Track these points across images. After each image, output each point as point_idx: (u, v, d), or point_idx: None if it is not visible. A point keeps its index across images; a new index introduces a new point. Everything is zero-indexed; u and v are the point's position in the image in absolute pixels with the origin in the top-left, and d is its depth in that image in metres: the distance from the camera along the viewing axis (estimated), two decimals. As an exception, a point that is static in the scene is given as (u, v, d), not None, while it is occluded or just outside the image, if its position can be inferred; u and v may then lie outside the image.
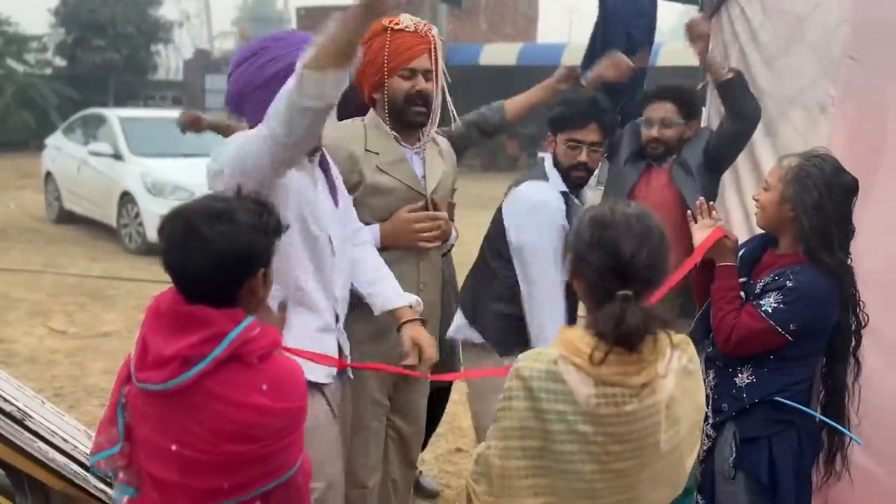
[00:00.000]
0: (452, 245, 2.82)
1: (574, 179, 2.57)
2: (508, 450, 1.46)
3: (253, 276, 1.51)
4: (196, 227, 1.45)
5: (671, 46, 13.83)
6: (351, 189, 2.30)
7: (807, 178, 2.17)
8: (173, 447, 1.47)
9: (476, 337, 2.61)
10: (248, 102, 1.98)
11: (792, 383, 2.20)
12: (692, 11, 3.82)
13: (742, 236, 2.61)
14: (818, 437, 2.30)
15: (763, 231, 2.38)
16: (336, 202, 2.10)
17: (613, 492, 1.49)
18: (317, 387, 2.00)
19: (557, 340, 1.50)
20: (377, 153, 2.35)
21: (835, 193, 2.16)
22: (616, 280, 1.46)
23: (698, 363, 1.59)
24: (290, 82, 1.68)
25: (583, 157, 2.54)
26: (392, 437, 2.55)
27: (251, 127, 1.89)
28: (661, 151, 2.84)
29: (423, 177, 2.43)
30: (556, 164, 2.58)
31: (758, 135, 3.10)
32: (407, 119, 2.39)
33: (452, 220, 2.65)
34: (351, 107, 2.41)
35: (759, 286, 2.25)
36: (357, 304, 2.26)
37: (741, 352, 2.22)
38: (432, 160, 2.47)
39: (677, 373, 1.52)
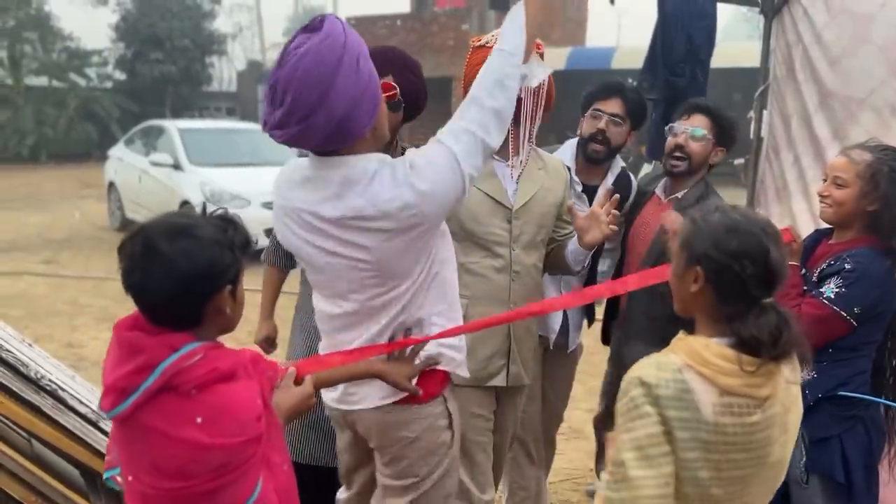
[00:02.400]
0: None
1: (591, 153, 2.71)
2: (649, 458, 1.42)
3: (218, 293, 1.42)
4: (155, 244, 1.37)
5: (725, 47, 13.59)
6: None
7: (885, 171, 2.16)
8: (129, 478, 1.42)
9: None
10: (355, 116, 1.71)
11: (853, 375, 2.19)
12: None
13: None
14: (885, 429, 2.27)
15: (827, 226, 2.36)
16: None
17: (729, 497, 1.48)
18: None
19: (678, 349, 1.47)
20: None
21: None
22: (763, 288, 1.44)
23: (799, 371, 1.57)
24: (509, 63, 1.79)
25: (602, 124, 2.69)
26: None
27: (355, 143, 1.75)
28: (684, 169, 2.66)
29: (516, 192, 2.39)
30: (579, 140, 2.75)
31: (826, 138, 3.03)
32: None
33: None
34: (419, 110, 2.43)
35: (815, 274, 2.24)
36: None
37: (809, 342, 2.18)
38: (528, 176, 2.41)
39: (787, 381, 1.51)
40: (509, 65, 1.80)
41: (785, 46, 3.33)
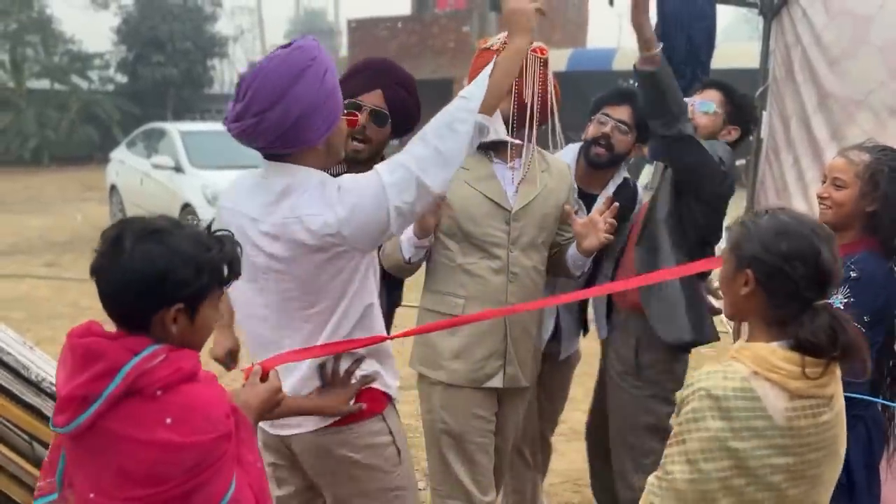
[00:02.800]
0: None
1: (593, 156, 2.68)
2: (700, 472, 1.43)
3: (166, 306, 1.37)
4: (122, 238, 1.37)
5: (726, 48, 13.58)
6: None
7: (886, 172, 2.16)
8: (91, 495, 1.36)
9: None
10: (309, 122, 1.74)
11: (854, 375, 2.18)
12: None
13: None
14: (886, 428, 2.28)
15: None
16: None
17: (804, 495, 1.49)
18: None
19: (743, 356, 1.47)
20: (467, 169, 2.33)
21: None
22: (816, 289, 1.44)
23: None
24: (462, 115, 1.79)
25: (607, 129, 2.66)
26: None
27: (297, 153, 1.78)
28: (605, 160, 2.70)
29: (516, 193, 2.38)
30: (583, 143, 2.73)
31: (824, 139, 3.04)
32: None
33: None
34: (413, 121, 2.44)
35: None
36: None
37: None
38: (530, 178, 2.39)
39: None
40: (464, 110, 1.79)
41: (784, 48, 3.34)
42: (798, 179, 3.17)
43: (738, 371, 1.45)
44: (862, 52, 2.95)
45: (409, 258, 2.34)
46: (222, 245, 1.45)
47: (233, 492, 1.41)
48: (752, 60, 3.72)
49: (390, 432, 1.95)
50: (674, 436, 1.49)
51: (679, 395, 1.50)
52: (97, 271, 1.39)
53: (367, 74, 2.39)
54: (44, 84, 21.43)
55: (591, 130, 2.71)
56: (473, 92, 1.82)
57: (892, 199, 2.16)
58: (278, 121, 1.70)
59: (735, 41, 22.25)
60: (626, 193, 2.76)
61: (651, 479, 1.51)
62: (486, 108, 1.81)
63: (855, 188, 2.19)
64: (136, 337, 1.37)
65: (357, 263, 1.80)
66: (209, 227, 1.50)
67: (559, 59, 18.96)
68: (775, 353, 1.45)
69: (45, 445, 2.27)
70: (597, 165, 2.71)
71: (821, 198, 2.28)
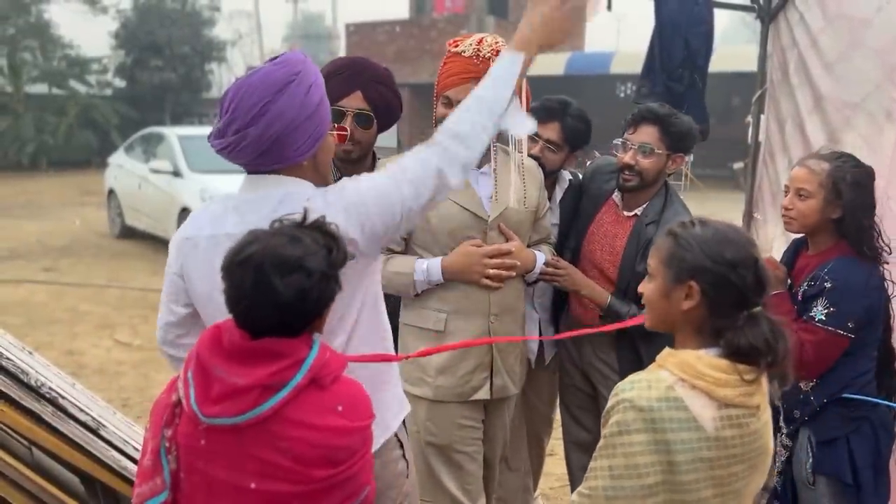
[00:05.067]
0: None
1: None
2: (625, 489, 1.38)
3: (319, 318, 1.49)
4: (268, 278, 1.40)
5: (724, 51, 13.62)
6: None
7: (848, 180, 2.18)
8: (253, 485, 1.41)
9: None
10: (292, 139, 1.67)
11: (856, 376, 2.20)
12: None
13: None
14: (894, 428, 2.28)
15: (795, 238, 2.38)
16: None
17: None
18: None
19: (668, 363, 1.44)
20: None
21: (869, 188, 2.20)
22: (757, 296, 1.43)
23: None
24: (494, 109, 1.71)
25: (536, 149, 2.63)
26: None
27: (281, 170, 1.70)
28: (635, 184, 2.52)
29: (491, 198, 2.33)
30: None
31: (819, 142, 3.04)
32: None
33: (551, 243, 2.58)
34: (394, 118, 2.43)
35: (800, 293, 2.26)
36: (420, 338, 2.33)
37: (820, 368, 2.20)
38: (504, 180, 2.32)
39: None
40: (495, 115, 1.73)
41: (780, 51, 3.34)
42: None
43: (662, 379, 1.41)
44: (858, 55, 2.95)
45: (420, 292, 2.33)
46: (336, 239, 1.49)
47: (372, 482, 1.53)
48: (750, 63, 3.73)
49: (400, 445, 1.89)
50: (599, 449, 1.43)
51: (609, 404, 1.44)
52: (245, 310, 1.42)
53: (344, 77, 2.34)
54: (42, 89, 21.42)
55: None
56: (500, 97, 1.74)
57: (854, 205, 2.17)
58: (259, 137, 1.64)
59: (734, 44, 22.31)
60: (573, 194, 2.76)
61: (574, 495, 1.46)
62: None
63: (819, 197, 2.21)
64: (303, 335, 1.47)
65: (364, 268, 1.73)
66: (303, 220, 1.49)
67: (557, 63, 18.99)
68: (702, 359, 1.41)
69: (44, 451, 2.26)
70: None
71: (785, 209, 2.28)
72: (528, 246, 2.48)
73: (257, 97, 1.64)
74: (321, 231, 1.48)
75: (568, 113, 2.67)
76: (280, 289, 1.39)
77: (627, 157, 2.51)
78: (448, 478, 2.39)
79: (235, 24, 32.80)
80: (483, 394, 2.38)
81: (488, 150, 2.28)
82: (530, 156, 2.57)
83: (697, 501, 1.41)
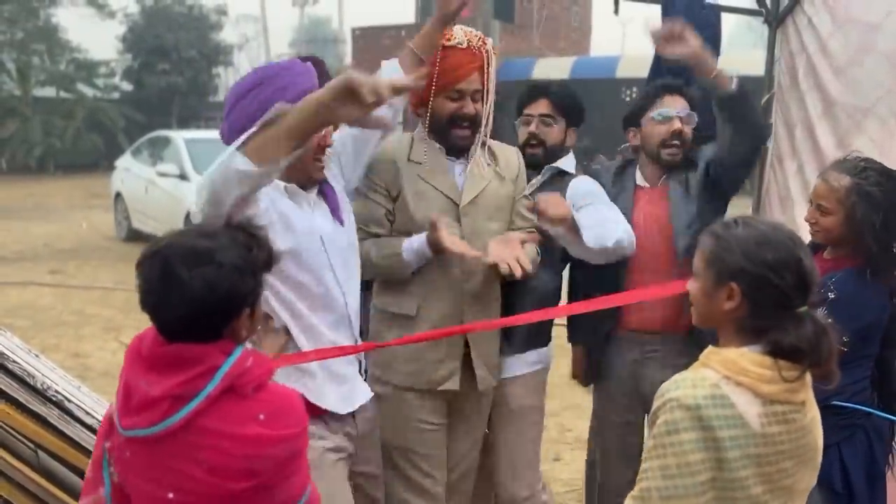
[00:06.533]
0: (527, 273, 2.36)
1: (529, 158, 2.59)
2: (678, 487, 1.38)
3: (236, 318, 1.42)
4: (174, 269, 1.35)
5: (731, 55, 13.58)
6: (394, 199, 2.32)
7: (870, 199, 2.14)
8: (170, 495, 1.38)
9: None
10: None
11: (848, 384, 2.17)
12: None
13: None
14: (890, 437, 2.26)
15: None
16: (341, 221, 2.09)
17: None
18: (322, 418, 1.96)
19: (711, 361, 1.44)
20: (420, 163, 2.33)
21: (887, 204, 2.14)
22: (801, 297, 1.43)
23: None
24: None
25: (532, 127, 2.62)
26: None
27: None
28: (681, 154, 2.55)
29: (462, 188, 2.34)
30: (518, 149, 2.59)
31: (829, 147, 3.03)
32: (449, 141, 2.35)
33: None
34: None
35: None
36: (392, 323, 2.31)
37: None
38: (477, 174, 2.36)
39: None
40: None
41: (789, 55, 3.33)
42: (802, 188, 3.15)
43: (706, 377, 1.41)
44: (868, 59, 2.94)
45: (416, 268, 2.30)
46: (257, 238, 1.46)
47: (311, 489, 1.49)
48: (757, 68, 3.72)
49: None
50: (649, 450, 1.43)
51: (654, 406, 1.45)
52: (154, 306, 1.38)
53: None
54: (49, 92, 21.52)
55: (520, 135, 2.67)
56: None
57: (875, 225, 2.13)
58: (227, 133, 1.85)
59: (740, 48, 22.27)
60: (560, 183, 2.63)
61: (627, 500, 1.45)
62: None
63: (839, 214, 2.18)
64: (221, 341, 1.41)
65: None
66: (229, 220, 1.51)
67: (563, 67, 19.00)
68: (744, 356, 1.42)
69: (50, 454, 2.26)
70: (536, 166, 2.63)
71: (809, 222, 2.27)
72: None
73: (229, 96, 1.97)
74: (244, 230, 1.46)
75: (551, 89, 2.69)
76: (186, 279, 1.34)
77: (677, 125, 2.53)
78: (401, 484, 2.32)
79: (242, 28, 32.94)
80: (451, 384, 2.32)
81: (468, 144, 2.35)
82: (528, 137, 2.62)
83: (747, 498, 1.41)
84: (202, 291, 1.35)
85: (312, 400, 1.92)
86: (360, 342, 2.13)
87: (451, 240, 2.21)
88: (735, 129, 2.38)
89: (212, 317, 1.39)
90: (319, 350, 1.97)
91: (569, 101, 2.69)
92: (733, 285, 1.44)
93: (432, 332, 2.25)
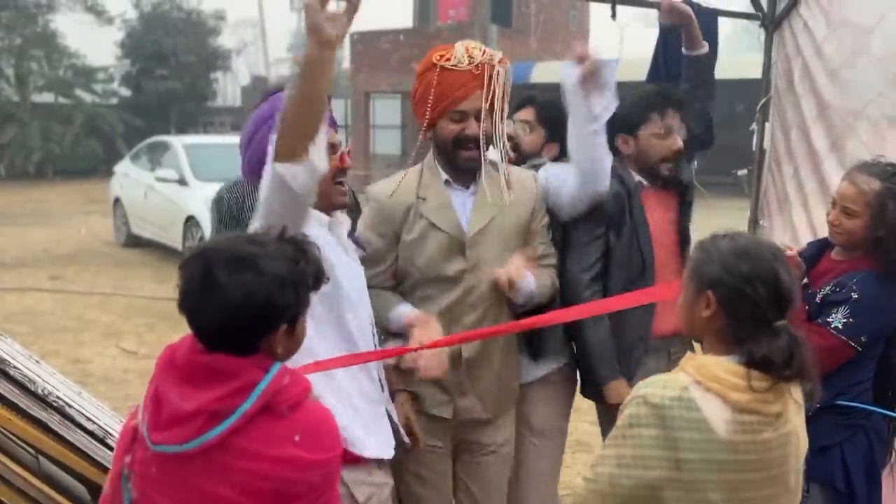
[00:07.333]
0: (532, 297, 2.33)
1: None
2: (629, 478, 1.43)
3: (272, 331, 1.35)
4: (213, 272, 1.30)
5: (728, 59, 13.61)
6: (398, 241, 2.28)
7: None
8: None
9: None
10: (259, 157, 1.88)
11: (851, 384, 2.20)
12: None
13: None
14: (889, 437, 2.28)
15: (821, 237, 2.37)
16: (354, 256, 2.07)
17: None
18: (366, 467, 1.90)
19: (687, 366, 1.48)
20: (425, 199, 2.27)
21: None
22: (775, 310, 1.45)
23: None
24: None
25: (510, 129, 2.56)
26: None
27: None
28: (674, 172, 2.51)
29: (467, 218, 2.26)
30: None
31: (823, 150, 3.04)
32: (456, 164, 2.27)
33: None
34: None
35: (819, 295, 2.24)
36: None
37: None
38: (485, 203, 2.25)
39: (796, 404, 1.52)
40: None
41: (785, 59, 3.35)
42: (798, 190, 3.17)
43: (678, 380, 1.45)
44: (862, 62, 2.95)
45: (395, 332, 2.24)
46: (307, 254, 1.40)
47: None
48: (755, 71, 3.73)
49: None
50: (609, 439, 1.49)
51: (626, 398, 1.51)
52: (191, 309, 1.34)
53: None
54: (48, 98, 21.56)
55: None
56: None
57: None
58: (248, 164, 1.99)
59: (736, 52, 22.29)
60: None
61: (580, 479, 1.52)
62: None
63: (865, 217, 2.18)
64: (259, 355, 1.35)
65: None
66: (283, 233, 1.43)
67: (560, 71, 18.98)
68: (719, 364, 1.45)
69: (51, 459, 2.27)
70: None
71: (832, 224, 2.26)
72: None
73: (248, 128, 2.07)
74: (295, 244, 1.41)
75: (538, 100, 2.73)
76: (224, 284, 1.29)
77: (679, 145, 2.47)
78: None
79: (240, 33, 33.03)
80: (445, 412, 2.27)
81: (476, 166, 2.26)
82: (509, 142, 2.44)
83: (705, 501, 1.42)
84: (239, 298, 1.30)
85: (356, 452, 1.88)
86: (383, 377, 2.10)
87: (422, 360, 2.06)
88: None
89: (247, 326, 1.33)
90: (348, 356, 1.91)
91: (553, 112, 2.64)
92: (709, 293, 1.48)
93: (467, 333, 2.18)
